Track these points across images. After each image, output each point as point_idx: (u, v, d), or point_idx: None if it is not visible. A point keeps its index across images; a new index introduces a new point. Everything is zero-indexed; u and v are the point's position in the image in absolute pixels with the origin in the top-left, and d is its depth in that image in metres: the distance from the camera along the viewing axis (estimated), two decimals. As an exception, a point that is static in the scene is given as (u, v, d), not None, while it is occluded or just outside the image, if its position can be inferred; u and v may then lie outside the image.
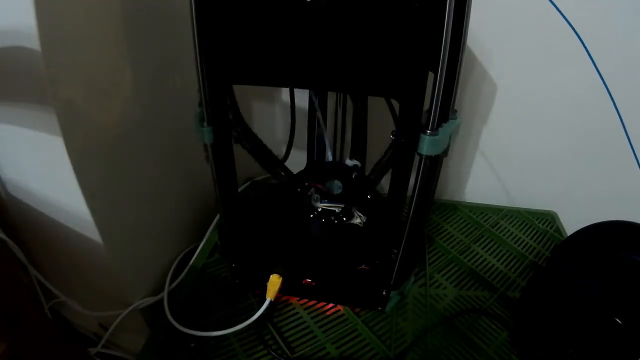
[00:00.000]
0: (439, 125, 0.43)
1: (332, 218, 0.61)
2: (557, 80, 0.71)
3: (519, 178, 0.85)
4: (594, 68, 0.64)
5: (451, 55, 0.39)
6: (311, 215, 0.61)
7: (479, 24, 0.55)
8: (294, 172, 0.64)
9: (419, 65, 0.40)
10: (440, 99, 0.40)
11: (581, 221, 0.57)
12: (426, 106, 0.43)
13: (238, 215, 0.61)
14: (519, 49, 0.70)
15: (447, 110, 0.47)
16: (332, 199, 0.62)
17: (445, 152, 0.48)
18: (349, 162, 0.64)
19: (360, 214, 0.61)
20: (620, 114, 0.67)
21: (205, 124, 0.47)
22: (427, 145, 0.43)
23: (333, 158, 0.66)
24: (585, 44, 0.62)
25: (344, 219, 0.61)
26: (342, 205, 0.61)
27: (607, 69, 0.64)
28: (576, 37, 0.62)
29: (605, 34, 0.64)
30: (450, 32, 0.37)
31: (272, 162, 0.60)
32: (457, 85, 0.46)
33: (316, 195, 0.61)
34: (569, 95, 0.72)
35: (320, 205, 0.61)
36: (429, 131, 0.42)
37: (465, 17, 0.42)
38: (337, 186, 0.61)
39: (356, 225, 0.61)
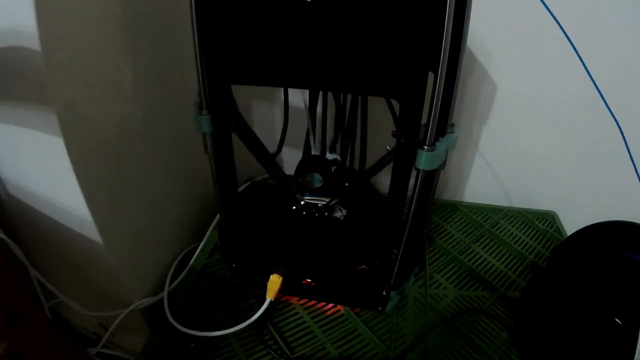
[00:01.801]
0: (436, 139, 0.43)
1: (314, 211, 0.61)
2: (557, 81, 0.71)
3: (519, 178, 0.85)
4: (586, 70, 0.64)
5: (451, 55, 0.39)
6: (294, 207, 0.62)
7: (480, 25, 0.55)
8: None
9: (419, 65, 0.40)
10: (439, 103, 0.40)
11: (581, 221, 0.57)
12: (425, 110, 0.43)
13: (238, 215, 0.61)
14: (519, 50, 0.70)
15: (444, 124, 0.47)
16: (313, 192, 0.62)
17: (443, 165, 0.48)
18: (329, 156, 0.64)
19: (340, 208, 0.62)
20: (615, 116, 0.67)
21: (203, 112, 0.47)
22: (424, 160, 0.43)
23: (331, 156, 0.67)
24: (577, 47, 0.63)
25: (326, 214, 0.61)
26: (326, 200, 0.62)
27: (601, 72, 0.64)
28: (574, 38, 0.62)
29: (600, 37, 0.64)
30: (450, 33, 0.37)
31: (267, 159, 0.61)
32: (455, 97, 0.46)
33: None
34: (569, 95, 0.72)
35: (304, 199, 0.62)
36: (426, 147, 0.42)
37: (465, 17, 0.42)
38: (317, 179, 0.62)
39: (357, 225, 0.61)
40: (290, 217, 0.63)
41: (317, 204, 0.62)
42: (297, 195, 0.62)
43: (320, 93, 0.62)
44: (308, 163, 0.61)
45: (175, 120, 0.65)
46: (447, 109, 0.46)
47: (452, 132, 0.48)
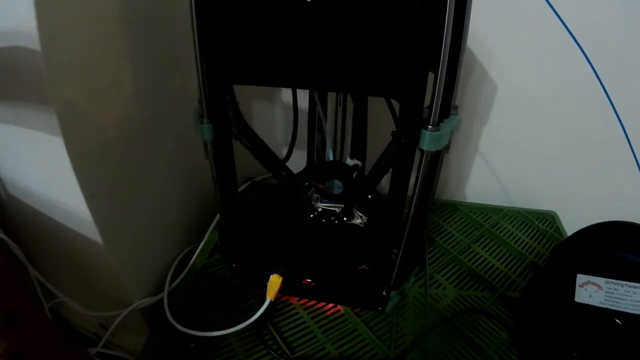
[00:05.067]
0: (440, 120, 0.43)
1: (333, 218, 0.61)
2: (558, 81, 0.71)
3: (519, 178, 0.85)
4: (591, 69, 0.64)
5: (451, 55, 0.39)
6: (311, 216, 0.61)
7: (480, 24, 0.55)
8: (294, 172, 0.64)
9: (419, 65, 0.40)
10: (440, 97, 0.40)
11: (581, 221, 0.57)
12: (426, 103, 0.43)
13: (238, 215, 0.61)
14: (519, 50, 0.70)
15: (448, 107, 0.47)
16: (332, 198, 0.62)
17: (447, 149, 0.48)
18: (350, 162, 0.64)
19: (360, 214, 0.61)
20: (619, 115, 0.67)
21: (204, 120, 0.47)
22: (428, 140, 0.43)
23: (333, 157, 0.66)
24: (582, 45, 0.62)
25: (345, 219, 0.61)
26: (343, 205, 0.61)
27: (605, 70, 0.64)
28: (578, 36, 0.62)
29: (603, 35, 0.64)
30: (450, 33, 0.37)
31: (272, 161, 0.60)
32: (457, 82, 0.46)
33: (316, 195, 0.61)
34: (569, 95, 0.72)
35: (321, 205, 0.61)
36: (430, 126, 0.42)
37: (465, 17, 0.42)
38: (337, 186, 0.61)
39: (356, 225, 0.61)
40: (290, 218, 0.63)
41: (335, 209, 0.61)
42: (312, 202, 0.61)
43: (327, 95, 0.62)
44: (328, 169, 0.60)
45: (175, 120, 0.65)
46: (451, 92, 0.46)
47: (456, 114, 0.48)
